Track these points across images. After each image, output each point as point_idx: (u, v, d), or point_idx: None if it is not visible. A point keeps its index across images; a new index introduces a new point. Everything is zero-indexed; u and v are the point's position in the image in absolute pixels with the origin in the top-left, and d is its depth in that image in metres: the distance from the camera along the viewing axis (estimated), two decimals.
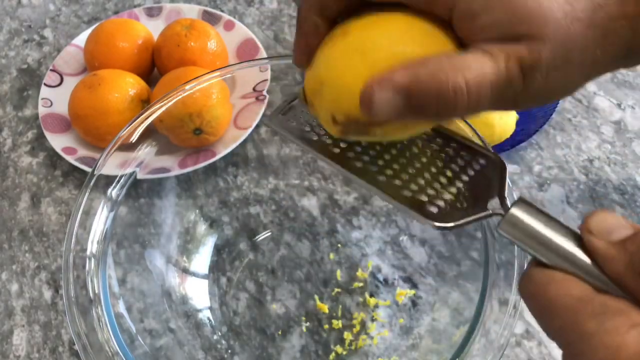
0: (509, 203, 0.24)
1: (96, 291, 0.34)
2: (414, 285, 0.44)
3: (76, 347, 0.32)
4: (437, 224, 0.24)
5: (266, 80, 0.47)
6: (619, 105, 0.57)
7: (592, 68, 0.24)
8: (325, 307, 0.44)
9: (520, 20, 0.22)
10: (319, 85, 0.25)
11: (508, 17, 0.22)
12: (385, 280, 0.45)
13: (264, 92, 0.47)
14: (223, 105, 0.48)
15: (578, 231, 0.21)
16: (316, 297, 0.45)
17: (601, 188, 0.51)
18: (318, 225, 0.48)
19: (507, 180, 0.25)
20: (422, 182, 0.26)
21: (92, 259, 0.35)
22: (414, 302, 0.44)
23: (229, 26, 0.62)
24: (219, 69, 0.42)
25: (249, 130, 0.51)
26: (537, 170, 0.52)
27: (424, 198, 0.25)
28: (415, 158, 0.27)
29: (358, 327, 0.43)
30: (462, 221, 0.24)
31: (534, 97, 0.24)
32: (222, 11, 0.66)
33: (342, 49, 0.24)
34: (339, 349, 0.42)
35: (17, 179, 0.54)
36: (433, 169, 0.27)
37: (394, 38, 0.23)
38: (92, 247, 0.35)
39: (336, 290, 0.45)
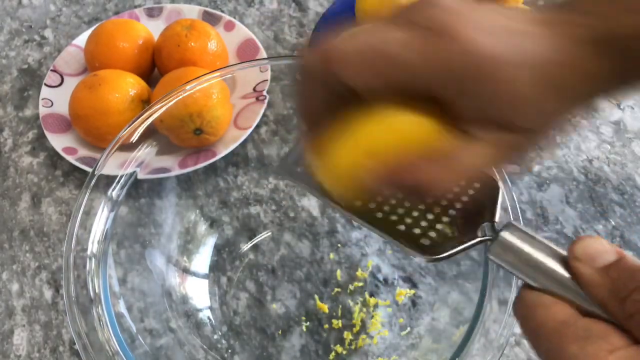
0: (499, 228, 0.24)
1: (97, 291, 0.34)
2: (414, 285, 0.44)
3: (77, 346, 0.32)
4: (428, 256, 0.25)
5: (266, 80, 0.47)
6: (618, 105, 0.57)
7: (572, 104, 0.25)
8: (325, 307, 0.44)
9: (490, 94, 0.23)
10: (329, 174, 0.27)
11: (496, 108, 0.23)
12: (385, 280, 0.45)
13: (264, 92, 0.47)
14: (223, 106, 0.48)
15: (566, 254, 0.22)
16: (316, 296, 0.45)
17: (600, 188, 0.51)
18: (318, 225, 0.48)
19: (499, 203, 0.26)
20: (416, 214, 0.27)
21: (93, 259, 0.35)
22: (413, 302, 0.44)
23: (229, 26, 0.62)
24: (219, 69, 0.42)
25: (249, 130, 0.51)
26: (536, 170, 0.52)
27: (417, 231, 0.26)
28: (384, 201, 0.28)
29: (358, 327, 0.43)
30: (452, 251, 0.24)
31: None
32: (223, 11, 0.66)
33: (345, 148, 0.26)
34: (339, 348, 0.42)
35: (18, 179, 0.54)
36: (429, 200, 0.27)
37: (396, 140, 0.25)
38: (93, 247, 0.35)
39: (336, 290, 0.45)
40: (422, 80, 0.23)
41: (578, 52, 0.23)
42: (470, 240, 0.25)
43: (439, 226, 0.26)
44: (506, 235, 0.22)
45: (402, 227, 0.26)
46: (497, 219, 0.25)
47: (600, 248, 0.21)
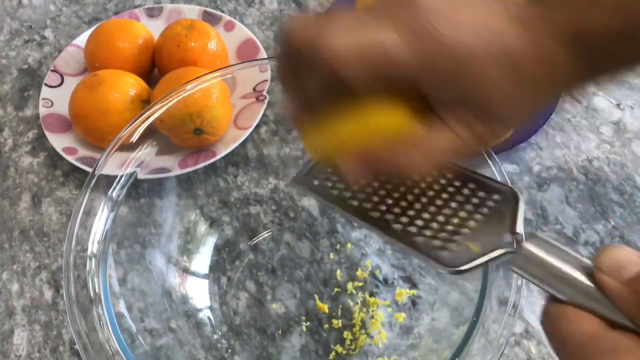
0: (522, 239, 0.23)
1: (97, 291, 0.34)
2: (414, 285, 0.44)
3: (77, 346, 0.32)
4: (451, 269, 0.24)
5: (266, 80, 0.47)
6: (618, 105, 0.57)
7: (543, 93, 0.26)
8: (325, 307, 0.44)
9: (467, 89, 0.25)
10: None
11: (462, 90, 0.25)
12: (385, 280, 0.45)
13: (264, 92, 0.47)
14: (223, 106, 0.48)
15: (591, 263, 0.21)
16: (316, 296, 0.45)
17: (600, 188, 0.51)
18: (318, 225, 0.48)
19: (521, 214, 0.25)
20: (436, 226, 0.26)
21: (93, 259, 0.35)
22: (413, 302, 0.44)
23: (229, 26, 0.62)
24: (220, 69, 0.42)
25: (249, 130, 0.51)
26: (536, 170, 0.52)
27: (438, 243, 0.25)
28: (431, 202, 0.28)
29: (358, 327, 0.43)
30: (475, 263, 0.24)
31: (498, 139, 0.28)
32: (223, 11, 0.66)
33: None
34: (339, 348, 0.42)
35: (18, 179, 0.54)
36: (447, 211, 0.27)
37: (371, 129, 0.27)
38: (93, 247, 0.35)
39: (336, 290, 0.45)
40: (409, 75, 0.25)
41: (549, 48, 0.24)
42: (492, 252, 0.24)
43: (458, 238, 0.26)
44: (529, 246, 0.22)
45: (422, 239, 0.26)
46: (519, 229, 0.24)
47: (626, 259, 0.20)
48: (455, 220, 0.26)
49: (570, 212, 0.50)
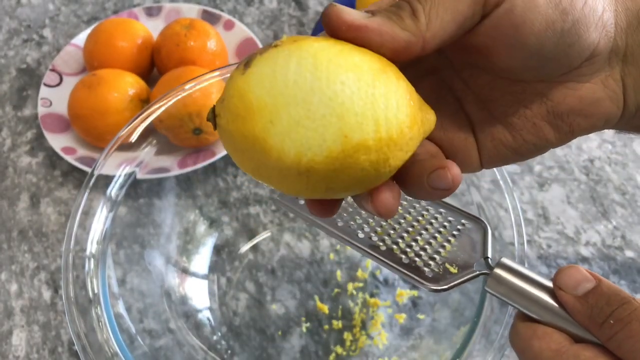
0: (492, 263, 0.27)
1: (95, 291, 0.34)
2: (414, 286, 0.44)
3: (75, 347, 0.32)
4: (433, 287, 0.27)
5: None
6: None
7: None
8: (325, 308, 0.44)
9: None
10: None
11: None
12: (386, 281, 0.45)
13: None
14: None
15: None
16: (316, 297, 0.44)
17: (602, 188, 0.51)
18: None
19: (490, 242, 0.29)
20: (417, 248, 0.29)
21: (92, 259, 0.35)
22: (414, 303, 0.44)
23: (228, 26, 0.62)
24: (219, 68, 0.42)
25: None
26: (537, 170, 0.52)
27: (420, 263, 0.28)
28: (410, 226, 0.31)
29: (358, 328, 0.43)
30: (453, 283, 0.27)
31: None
32: (222, 11, 0.66)
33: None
34: (339, 349, 0.42)
35: (17, 179, 0.54)
36: (426, 236, 0.30)
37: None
38: (92, 247, 0.35)
39: (336, 290, 0.45)
40: None
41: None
42: (468, 274, 0.28)
43: (439, 259, 0.29)
44: (499, 271, 0.25)
45: (406, 260, 0.29)
46: (489, 254, 0.28)
47: (580, 277, 0.23)
48: (433, 244, 0.30)
49: (572, 212, 0.50)
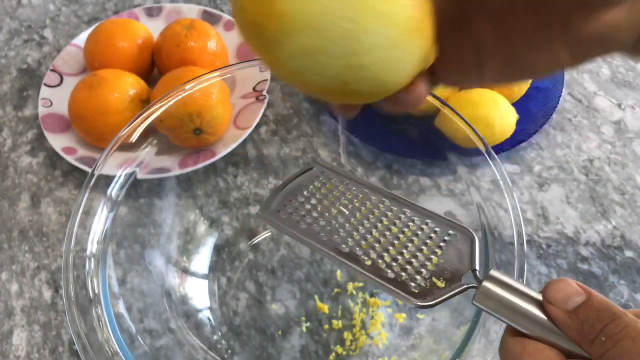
0: (480, 276, 0.26)
1: (96, 291, 0.34)
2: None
3: (76, 347, 0.32)
4: (419, 303, 0.26)
5: (266, 80, 0.47)
6: (619, 105, 0.57)
7: None
8: (325, 307, 0.44)
9: None
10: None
11: None
12: None
13: (264, 92, 0.47)
14: (223, 105, 0.48)
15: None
16: (316, 297, 0.45)
17: (601, 188, 0.51)
18: None
19: (477, 253, 0.28)
20: (402, 262, 0.29)
21: (92, 259, 0.35)
22: None
23: (229, 26, 0.62)
24: (219, 68, 0.42)
25: (249, 130, 0.51)
26: (537, 170, 0.52)
27: (406, 278, 0.28)
28: (396, 238, 0.30)
29: (358, 327, 0.43)
30: (440, 298, 0.26)
31: None
32: (222, 11, 0.66)
33: None
34: (339, 349, 0.42)
35: (17, 179, 0.54)
36: (412, 248, 0.29)
37: None
38: (92, 247, 0.35)
39: (336, 290, 0.45)
40: None
41: None
42: (456, 288, 0.26)
43: (425, 273, 0.28)
44: (488, 285, 0.24)
45: (392, 274, 0.28)
46: (477, 267, 0.27)
47: (570, 290, 0.22)
48: (420, 257, 0.29)
49: (571, 212, 0.50)
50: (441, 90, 0.52)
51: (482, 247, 0.31)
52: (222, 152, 0.49)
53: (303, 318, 0.44)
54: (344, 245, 0.30)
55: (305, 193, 0.34)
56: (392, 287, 0.27)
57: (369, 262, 0.29)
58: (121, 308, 0.36)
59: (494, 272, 0.24)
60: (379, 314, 0.43)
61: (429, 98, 0.38)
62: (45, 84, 0.58)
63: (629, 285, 0.45)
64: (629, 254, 0.47)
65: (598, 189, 0.51)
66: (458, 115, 0.38)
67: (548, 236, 0.48)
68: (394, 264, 0.28)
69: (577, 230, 0.48)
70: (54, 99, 0.56)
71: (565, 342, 0.22)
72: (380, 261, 0.29)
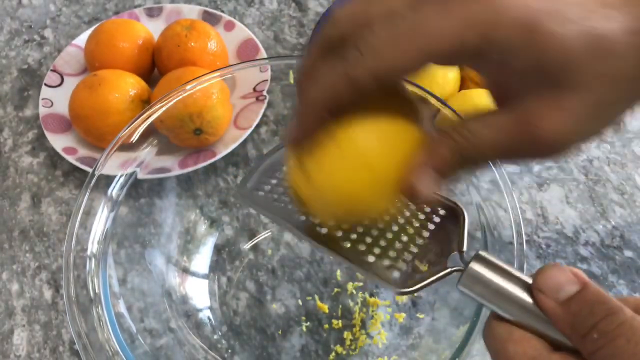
0: (468, 258, 0.23)
1: (96, 291, 0.34)
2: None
3: (76, 346, 0.32)
4: (399, 289, 0.24)
5: (266, 80, 0.47)
6: None
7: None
8: (325, 307, 0.44)
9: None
10: (316, 192, 0.25)
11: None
12: None
13: (264, 93, 0.47)
14: (223, 106, 0.48)
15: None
16: (316, 297, 0.45)
17: (600, 188, 0.51)
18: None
19: (466, 232, 0.26)
20: (384, 244, 0.26)
21: (93, 259, 0.35)
22: (413, 302, 0.44)
23: (229, 26, 0.62)
24: (219, 69, 0.42)
25: (249, 130, 0.51)
26: (536, 170, 0.52)
27: (387, 262, 0.25)
28: (379, 218, 0.27)
29: (358, 327, 0.43)
30: (422, 284, 0.24)
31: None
32: (222, 11, 0.66)
33: (340, 162, 0.24)
34: (339, 348, 0.42)
35: (18, 179, 0.54)
36: (396, 228, 0.27)
37: (384, 148, 0.23)
38: (93, 247, 0.35)
39: (336, 290, 0.45)
40: (470, 43, 0.20)
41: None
42: (440, 272, 0.24)
43: (407, 256, 0.26)
44: (475, 266, 0.22)
45: (372, 258, 0.25)
46: (464, 248, 0.25)
47: (564, 279, 0.20)
48: (404, 238, 0.26)
49: (571, 212, 0.50)
50: (441, 91, 0.52)
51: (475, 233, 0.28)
52: (223, 152, 0.50)
53: (303, 318, 0.44)
54: (321, 227, 0.27)
55: (284, 169, 0.31)
56: (371, 273, 0.25)
57: (348, 245, 0.26)
58: (122, 308, 0.36)
59: (482, 253, 0.22)
60: (378, 314, 0.43)
61: (429, 98, 0.38)
62: (45, 84, 0.58)
63: (629, 285, 0.45)
64: (628, 253, 0.47)
65: (597, 188, 0.51)
66: (458, 115, 0.38)
67: (547, 236, 0.48)
68: (375, 247, 0.26)
69: (577, 230, 0.49)
70: (55, 99, 0.56)
71: (555, 333, 0.20)
72: (360, 244, 0.26)
